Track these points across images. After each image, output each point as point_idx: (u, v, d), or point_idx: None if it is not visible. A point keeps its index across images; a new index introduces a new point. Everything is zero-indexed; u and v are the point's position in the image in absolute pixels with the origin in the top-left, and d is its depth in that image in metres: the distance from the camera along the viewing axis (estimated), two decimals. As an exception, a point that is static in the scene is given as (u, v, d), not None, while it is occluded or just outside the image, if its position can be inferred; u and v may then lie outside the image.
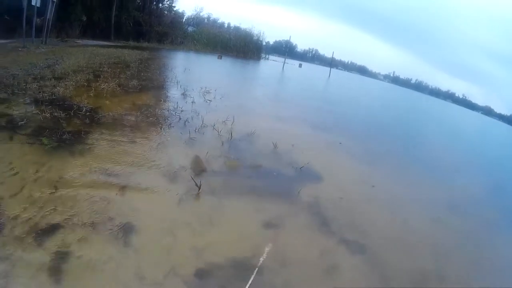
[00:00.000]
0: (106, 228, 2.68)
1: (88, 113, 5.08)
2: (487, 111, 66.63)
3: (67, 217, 2.70)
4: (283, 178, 4.54)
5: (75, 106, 5.21)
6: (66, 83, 6.51)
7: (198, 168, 4.16)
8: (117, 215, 2.86)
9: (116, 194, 3.17)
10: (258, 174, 4.48)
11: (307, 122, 8.18)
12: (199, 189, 3.55)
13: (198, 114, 6.16)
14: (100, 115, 5.11)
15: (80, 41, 17.07)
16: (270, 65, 27.12)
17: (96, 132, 4.45)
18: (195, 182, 3.59)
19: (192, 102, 7.09)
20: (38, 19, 13.92)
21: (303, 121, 8.22)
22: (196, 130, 5.37)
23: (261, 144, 5.59)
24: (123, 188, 3.29)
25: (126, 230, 2.69)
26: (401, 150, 8.25)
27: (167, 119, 5.64)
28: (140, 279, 2.27)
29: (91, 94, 6.15)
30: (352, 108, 14.19)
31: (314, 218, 3.64)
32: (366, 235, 3.54)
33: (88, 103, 5.56)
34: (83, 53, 12.07)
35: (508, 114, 63.02)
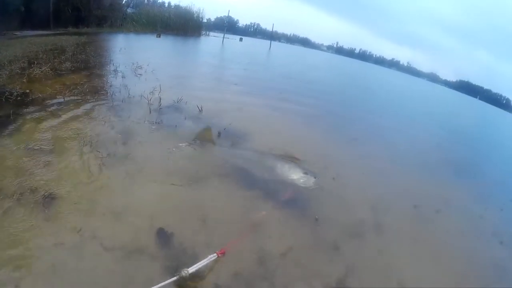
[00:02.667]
0: (29, 199, 2.70)
1: (18, 98, 4.97)
2: (433, 78, 64.75)
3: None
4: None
5: (6, 92, 5.04)
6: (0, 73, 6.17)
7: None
8: (40, 186, 2.89)
9: (40, 167, 3.22)
10: (180, 135, 4.62)
11: (234, 89, 8.44)
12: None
13: (126, 87, 6.20)
14: (30, 98, 5.03)
15: (18, 33, 15.39)
16: (210, 40, 26.32)
17: (24, 114, 4.43)
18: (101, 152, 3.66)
19: (123, 77, 7.06)
20: (-28, 16, 12.36)
21: (230, 88, 8.48)
22: (123, 101, 5.47)
23: (186, 108, 5.81)
24: (47, 160, 3.35)
25: (48, 200, 2.72)
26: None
27: (94, 94, 5.65)
28: (58, 245, 2.28)
29: (24, 80, 5.90)
30: (280, 75, 14.50)
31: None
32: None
33: (20, 88, 5.38)
34: (21, 44, 11.06)
35: (454, 80, 63.37)
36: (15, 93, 5.07)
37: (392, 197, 4.25)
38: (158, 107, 5.54)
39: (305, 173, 3.99)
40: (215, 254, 2.12)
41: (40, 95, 5.18)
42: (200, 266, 2.01)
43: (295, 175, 3.93)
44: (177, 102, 5.97)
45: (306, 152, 4.86)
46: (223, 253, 2.16)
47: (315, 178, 3.95)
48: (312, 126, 6.75)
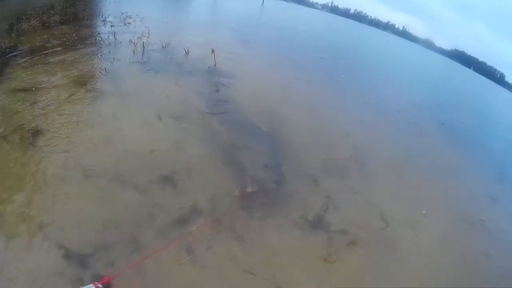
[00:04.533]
0: (16, 135, 2.68)
1: (7, 49, 4.71)
2: (428, 45, 58.80)
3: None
4: (195, 74, 4.66)
5: (-5, 46, 4.81)
6: (-12, 30, 5.84)
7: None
8: (28, 122, 2.86)
9: (28, 106, 3.16)
10: (166, 75, 4.55)
11: (219, 38, 8.02)
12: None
13: (115, 34, 5.85)
14: (19, 49, 4.78)
15: (7, -6, 14.50)
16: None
17: (13, 63, 4.24)
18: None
19: (112, 26, 6.63)
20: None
21: (215, 35, 8.06)
22: (110, 45, 5.22)
23: (174, 51, 5.57)
24: (34, 100, 3.28)
25: (34, 134, 2.70)
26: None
27: (82, 41, 5.35)
28: (43, 175, 2.29)
29: (13, 35, 5.58)
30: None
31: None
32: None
33: (9, 42, 5.10)
34: (7, 4, 10.47)
35: (449, 49, 59.29)
36: (3, 46, 4.81)
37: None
38: (145, 50, 5.31)
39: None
40: (91, 285, 1.62)
41: (28, 45, 4.90)
42: None
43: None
44: (165, 46, 5.71)
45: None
46: (107, 282, 1.65)
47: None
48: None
